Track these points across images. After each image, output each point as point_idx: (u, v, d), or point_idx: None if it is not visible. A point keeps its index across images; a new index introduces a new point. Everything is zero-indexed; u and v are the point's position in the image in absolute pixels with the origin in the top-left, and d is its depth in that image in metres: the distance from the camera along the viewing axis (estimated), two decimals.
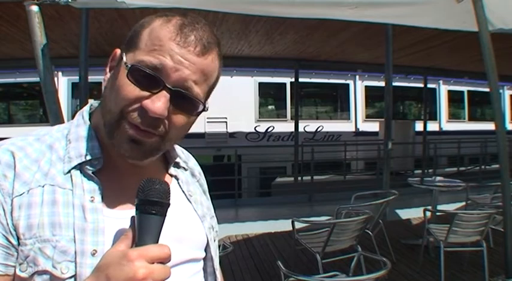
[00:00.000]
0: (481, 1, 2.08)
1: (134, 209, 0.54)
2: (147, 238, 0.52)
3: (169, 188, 0.56)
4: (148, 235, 0.52)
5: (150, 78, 0.56)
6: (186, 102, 0.59)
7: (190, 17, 0.61)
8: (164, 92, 0.56)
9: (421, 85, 9.58)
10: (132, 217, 0.55)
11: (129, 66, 0.56)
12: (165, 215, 0.55)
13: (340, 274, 2.28)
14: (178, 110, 0.59)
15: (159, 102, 0.56)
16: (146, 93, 0.56)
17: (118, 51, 0.63)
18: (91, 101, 0.71)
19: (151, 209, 0.53)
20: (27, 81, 9.62)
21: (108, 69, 0.64)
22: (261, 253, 4.27)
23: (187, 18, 0.60)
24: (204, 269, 0.74)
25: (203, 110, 0.62)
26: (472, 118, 13.38)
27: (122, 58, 0.59)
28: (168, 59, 0.56)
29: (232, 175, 6.64)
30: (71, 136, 0.63)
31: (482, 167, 8.44)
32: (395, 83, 7.58)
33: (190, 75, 0.58)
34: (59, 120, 1.98)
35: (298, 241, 3.28)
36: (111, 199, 0.61)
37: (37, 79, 2.11)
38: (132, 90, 0.57)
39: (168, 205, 0.55)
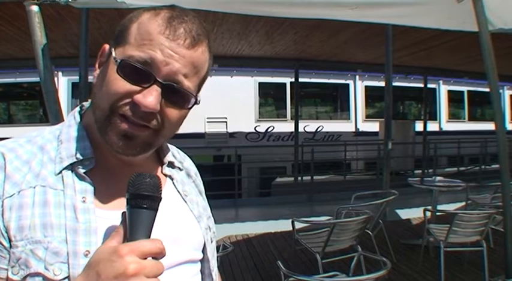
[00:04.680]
0: (481, 1, 2.08)
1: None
2: (139, 233, 0.51)
3: (160, 182, 0.55)
4: (140, 230, 0.51)
5: (140, 73, 0.56)
6: (178, 96, 0.59)
7: (178, 9, 0.61)
8: (155, 86, 0.56)
9: (421, 85, 9.59)
10: (123, 213, 0.53)
11: (119, 61, 0.56)
12: (157, 210, 0.53)
13: (340, 274, 2.28)
14: (170, 104, 0.59)
15: (151, 97, 0.56)
16: (137, 88, 0.56)
17: (107, 46, 0.62)
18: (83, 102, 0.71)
19: (142, 203, 0.52)
20: (27, 81, 9.62)
21: (97, 66, 0.63)
22: (261, 253, 4.27)
23: (175, 11, 0.60)
24: (201, 271, 0.73)
25: (195, 103, 0.62)
26: (472, 118, 13.38)
27: (111, 53, 0.59)
28: (158, 53, 0.56)
29: (232, 175, 6.64)
30: (62, 137, 0.63)
31: (482, 167, 8.44)
32: (395, 83, 7.58)
33: (181, 68, 0.57)
34: (59, 120, 1.98)
35: (298, 241, 3.28)
36: (103, 199, 0.60)
37: (37, 79, 2.11)
38: (122, 85, 0.56)
39: (160, 198, 0.54)
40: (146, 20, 0.58)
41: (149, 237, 0.51)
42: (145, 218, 0.52)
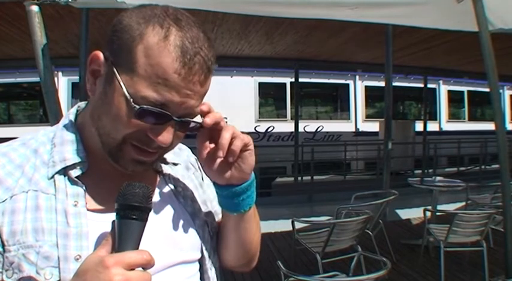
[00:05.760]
0: (481, 1, 2.09)
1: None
2: (127, 243, 0.51)
3: (150, 192, 0.55)
4: (128, 241, 0.51)
5: (157, 115, 0.55)
6: (189, 124, 0.60)
7: (184, 23, 0.56)
8: (171, 124, 0.57)
9: (421, 85, 9.58)
10: (113, 222, 0.54)
11: (137, 107, 0.54)
12: (146, 220, 0.54)
13: (340, 274, 2.28)
14: (180, 131, 0.61)
15: (167, 134, 0.57)
16: (152, 126, 0.57)
17: (101, 55, 0.58)
18: (78, 103, 0.70)
19: (131, 214, 0.52)
20: (27, 81, 9.60)
21: (90, 73, 0.60)
22: (261, 253, 4.25)
23: (184, 32, 0.55)
24: (201, 268, 0.71)
25: (201, 127, 0.62)
26: (472, 118, 13.37)
27: (114, 74, 0.55)
28: (175, 96, 0.54)
29: None
30: (56, 140, 0.63)
31: (482, 167, 8.44)
32: (395, 83, 7.57)
33: (195, 103, 0.58)
34: (59, 120, 1.97)
35: (298, 241, 3.28)
36: (96, 202, 0.61)
37: (37, 79, 2.11)
38: (136, 123, 0.56)
39: (149, 209, 0.54)
40: (155, 47, 0.53)
41: (137, 248, 0.52)
42: (133, 229, 0.52)
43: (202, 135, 0.63)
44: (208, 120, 0.60)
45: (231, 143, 0.61)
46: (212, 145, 0.63)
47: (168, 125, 0.57)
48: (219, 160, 0.63)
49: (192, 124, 0.60)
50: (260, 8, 2.38)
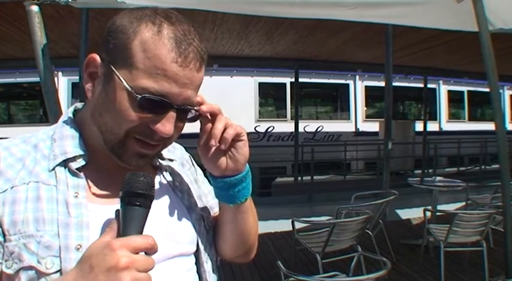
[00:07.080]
0: (481, 1, 2.09)
1: (119, 204, 0.55)
2: (131, 229, 0.53)
3: (153, 181, 0.57)
4: (132, 227, 0.53)
5: (158, 105, 0.57)
6: (187, 114, 0.63)
7: (174, 18, 0.59)
8: (171, 113, 0.59)
9: (421, 85, 9.58)
10: (117, 210, 0.55)
11: (139, 97, 0.56)
12: (149, 208, 0.55)
13: (340, 274, 2.28)
14: (180, 121, 0.63)
15: (168, 124, 0.59)
16: (153, 116, 0.58)
17: (97, 58, 0.61)
18: (76, 103, 0.73)
19: (136, 201, 0.54)
20: (27, 81, 9.60)
21: (87, 76, 0.62)
22: (261, 253, 4.25)
23: (176, 26, 0.58)
24: (197, 262, 0.73)
25: (199, 114, 0.65)
26: (472, 118, 13.37)
27: (113, 71, 0.58)
28: (174, 87, 0.57)
29: None
30: (56, 136, 0.64)
31: (482, 167, 8.44)
32: (395, 83, 7.57)
33: (192, 93, 0.60)
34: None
35: (298, 241, 3.28)
36: (96, 194, 0.62)
37: (37, 79, 2.11)
38: (139, 115, 0.58)
39: (152, 197, 0.56)
40: (151, 41, 0.56)
41: (141, 233, 0.53)
42: (137, 215, 0.54)
43: (202, 126, 0.66)
44: (205, 107, 0.64)
45: (223, 132, 0.64)
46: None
47: (168, 114, 0.59)
48: (213, 149, 0.66)
49: (190, 114, 0.63)
50: (260, 8, 2.38)
